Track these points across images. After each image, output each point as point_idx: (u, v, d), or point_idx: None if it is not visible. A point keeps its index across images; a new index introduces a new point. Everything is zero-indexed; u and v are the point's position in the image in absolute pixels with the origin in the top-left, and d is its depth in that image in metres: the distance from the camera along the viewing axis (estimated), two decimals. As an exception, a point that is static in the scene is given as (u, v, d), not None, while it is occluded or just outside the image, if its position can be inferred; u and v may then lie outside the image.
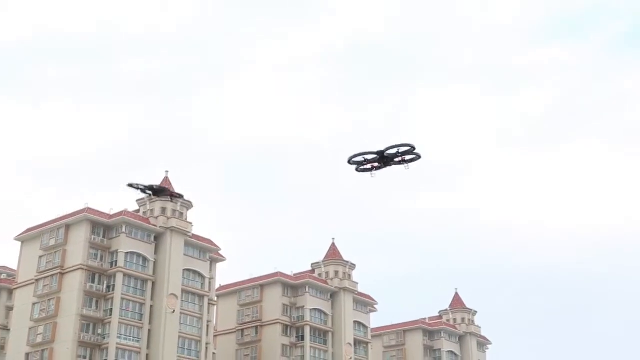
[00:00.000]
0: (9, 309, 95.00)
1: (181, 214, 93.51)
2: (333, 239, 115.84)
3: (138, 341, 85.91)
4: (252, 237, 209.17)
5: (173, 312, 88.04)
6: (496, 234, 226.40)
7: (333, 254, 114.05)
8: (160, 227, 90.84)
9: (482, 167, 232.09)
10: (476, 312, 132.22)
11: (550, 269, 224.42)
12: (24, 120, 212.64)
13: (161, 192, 40.00)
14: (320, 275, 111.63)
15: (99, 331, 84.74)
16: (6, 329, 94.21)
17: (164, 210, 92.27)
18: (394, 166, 29.19)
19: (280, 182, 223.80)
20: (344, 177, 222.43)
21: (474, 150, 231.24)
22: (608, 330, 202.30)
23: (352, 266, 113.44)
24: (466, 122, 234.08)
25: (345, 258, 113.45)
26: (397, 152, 28.65)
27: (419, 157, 29.09)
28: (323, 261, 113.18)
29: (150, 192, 39.91)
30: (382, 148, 28.40)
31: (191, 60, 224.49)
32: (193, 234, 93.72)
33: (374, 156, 28.95)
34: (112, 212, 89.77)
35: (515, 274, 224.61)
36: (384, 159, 28.92)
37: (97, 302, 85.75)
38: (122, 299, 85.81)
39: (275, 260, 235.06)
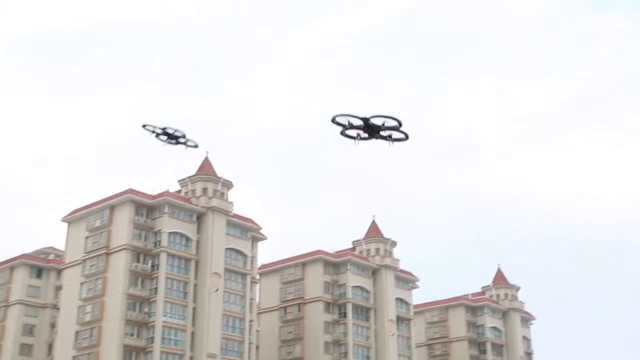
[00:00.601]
0: (58, 288, 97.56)
1: (222, 193, 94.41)
2: (373, 216, 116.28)
3: (183, 319, 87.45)
4: (293, 216, 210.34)
5: (216, 290, 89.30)
6: (539, 207, 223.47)
7: (374, 231, 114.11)
8: (201, 207, 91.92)
9: (526, 140, 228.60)
10: (519, 287, 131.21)
11: (600, 243, 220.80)
12: (61, 112, 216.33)
13: (176, 138, 37.14)
14: (361, 252, 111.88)
15: (145, 309, 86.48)
16: (56, 307, 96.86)
17: (205, 190, 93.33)
18: (379, 140, 28.06)
19: (319, 161, 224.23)
20: (383, 153, 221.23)
21: (520, 123, 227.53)
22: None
23: (393, 243, 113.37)
24: (514, 94, 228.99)
25: (386, 235, 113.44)
26: (383, 124, 27.43)
27: (406, 137, 28.03)
28: (364, 239, 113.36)
29: (165, 138, 37.29)
30: (368, 115, 27.35)
31: (223, 47, 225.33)
32: (234, 214, 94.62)
33: (359, 123, 27.38)
34: (154, 193, 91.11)
35: (560, 248, 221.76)
36: (369, 128, 27.58)
37: (142, 281, 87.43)
38: (167, 278, 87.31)
39: (316, 238, 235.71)
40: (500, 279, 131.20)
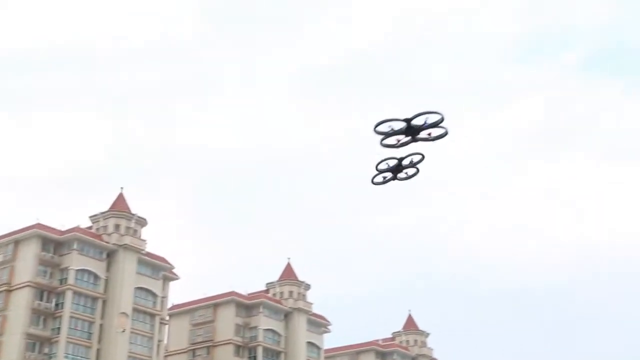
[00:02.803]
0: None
1: (135, 231, 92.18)
2: (288, 258, 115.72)
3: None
4: (207, 256, 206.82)
5: (123, 331, 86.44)
6: (453, 252, 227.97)
7: (288, 274, 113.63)
8: (113, 244, 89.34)
9: (448, 184, 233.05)
10: (429, 334, 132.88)
11: (508, 289, 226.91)
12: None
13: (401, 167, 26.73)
14: (274, 295, 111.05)
15: (46, 350, 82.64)
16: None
17: (117, 227, 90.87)
18: (420, 142, 25.20)
19: (236, 200, 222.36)
20: (303, 194, 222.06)
21: (448, 166, 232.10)
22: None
23: (307, 286, 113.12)
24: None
25: (300, 278, 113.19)
26: (425, 122, 24.51)
27: (446, 133, 24.88)
28: (278, 281, 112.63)
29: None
30: (409, 116, 24.07)
31: (151, 76, 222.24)
32: (147, 252, 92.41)
33: (401, 126, 24.53)
34: (64, 229, 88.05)
35: (472, 294, 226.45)
36: (411, 131, 24.74)
37: (44, 320, 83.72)
38: (71, 317, 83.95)
39: (230, 279, 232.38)
40: (410, 324, 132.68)
